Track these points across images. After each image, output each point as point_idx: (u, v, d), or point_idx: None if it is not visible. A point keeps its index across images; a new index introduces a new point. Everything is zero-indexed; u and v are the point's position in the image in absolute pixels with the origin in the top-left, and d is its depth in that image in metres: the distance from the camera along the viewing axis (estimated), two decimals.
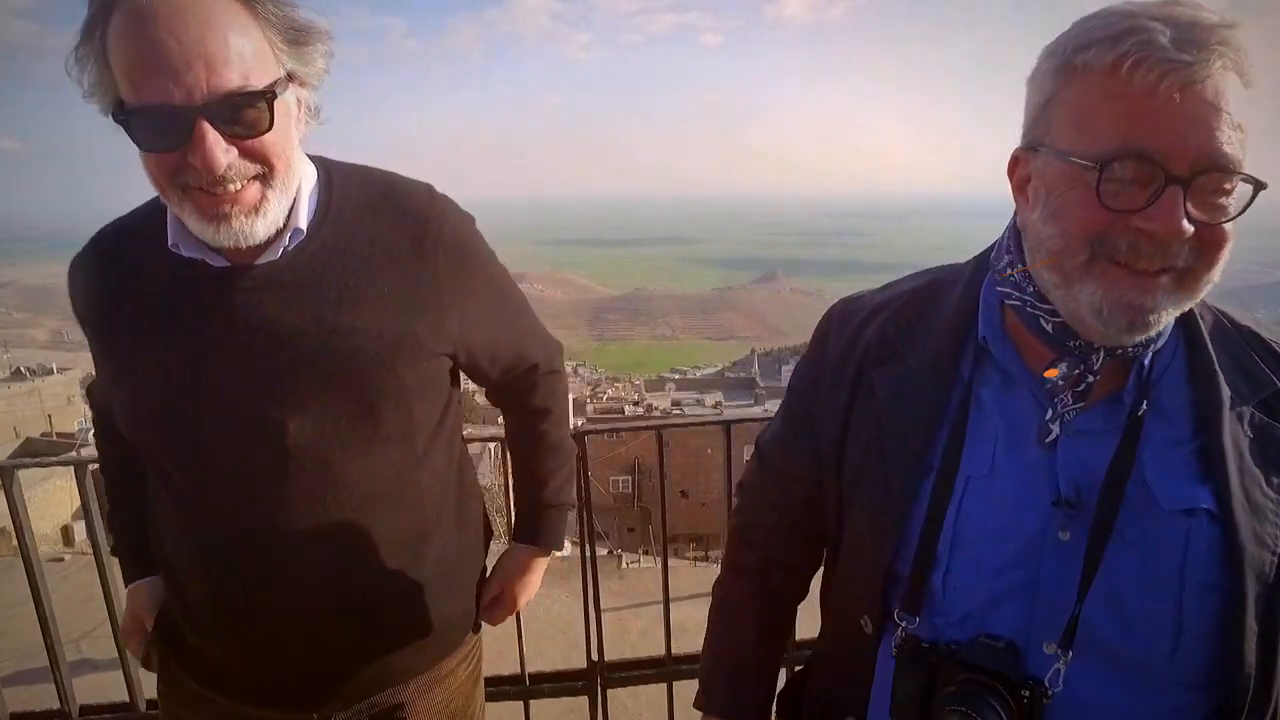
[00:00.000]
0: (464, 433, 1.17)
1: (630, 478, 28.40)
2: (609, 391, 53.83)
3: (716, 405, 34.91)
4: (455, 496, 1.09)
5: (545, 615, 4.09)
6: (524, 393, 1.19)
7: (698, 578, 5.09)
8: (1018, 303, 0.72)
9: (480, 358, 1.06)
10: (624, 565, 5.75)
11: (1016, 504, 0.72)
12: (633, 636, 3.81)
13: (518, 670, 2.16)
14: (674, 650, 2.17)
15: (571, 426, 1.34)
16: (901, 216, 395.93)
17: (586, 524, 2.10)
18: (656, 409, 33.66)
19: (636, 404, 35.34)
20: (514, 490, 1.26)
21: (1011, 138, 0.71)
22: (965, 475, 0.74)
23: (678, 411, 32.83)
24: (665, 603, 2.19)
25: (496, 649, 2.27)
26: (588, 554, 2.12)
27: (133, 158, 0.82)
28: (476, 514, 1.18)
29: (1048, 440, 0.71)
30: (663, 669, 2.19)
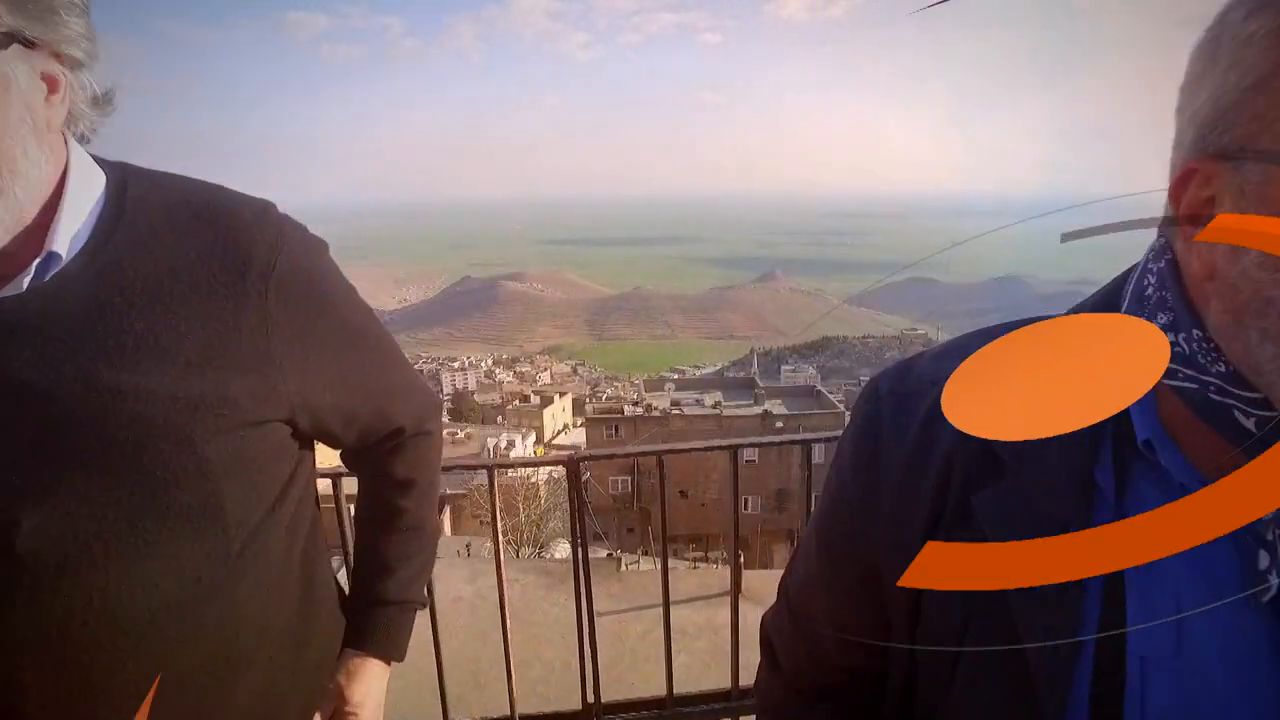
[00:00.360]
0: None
1: (629, 478, 28.40)
2: (608, 391, 53.91)
3: (716, 405, 34.91)
4: (295, 602, 0.84)
5: (544, 619, 4.08)
6: (383, 459, 0.96)
7: (698, 580, 5.08)
8: (1192, 385, 0.48)
9: (329, 421, 0.83)
10: (624, 568, 5.74)
11: (1232, 701, 0.47)
12: (632, 640, 3.80)
13: (507, 712, 2.08)
14: (676, 690, 2.11)
15: (568, 450, 1.18)
16: (902, 216, 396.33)
17: (583, 559, 2.00)
18: (656, 409, 33.64)
19: (636, 404, 35.33)
20: (351, 578, 1.01)
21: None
22: (1139, 656, 0.50)
23: (677, 411, 32.80)
24: (667, 638, 2.11)
25: (489, 678, 2.25)
26: (583, 591, 2.03)
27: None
28: (326, 622, 0.93)
29: (1265, 599, 0.47)
30: (663, 711, 2.11)
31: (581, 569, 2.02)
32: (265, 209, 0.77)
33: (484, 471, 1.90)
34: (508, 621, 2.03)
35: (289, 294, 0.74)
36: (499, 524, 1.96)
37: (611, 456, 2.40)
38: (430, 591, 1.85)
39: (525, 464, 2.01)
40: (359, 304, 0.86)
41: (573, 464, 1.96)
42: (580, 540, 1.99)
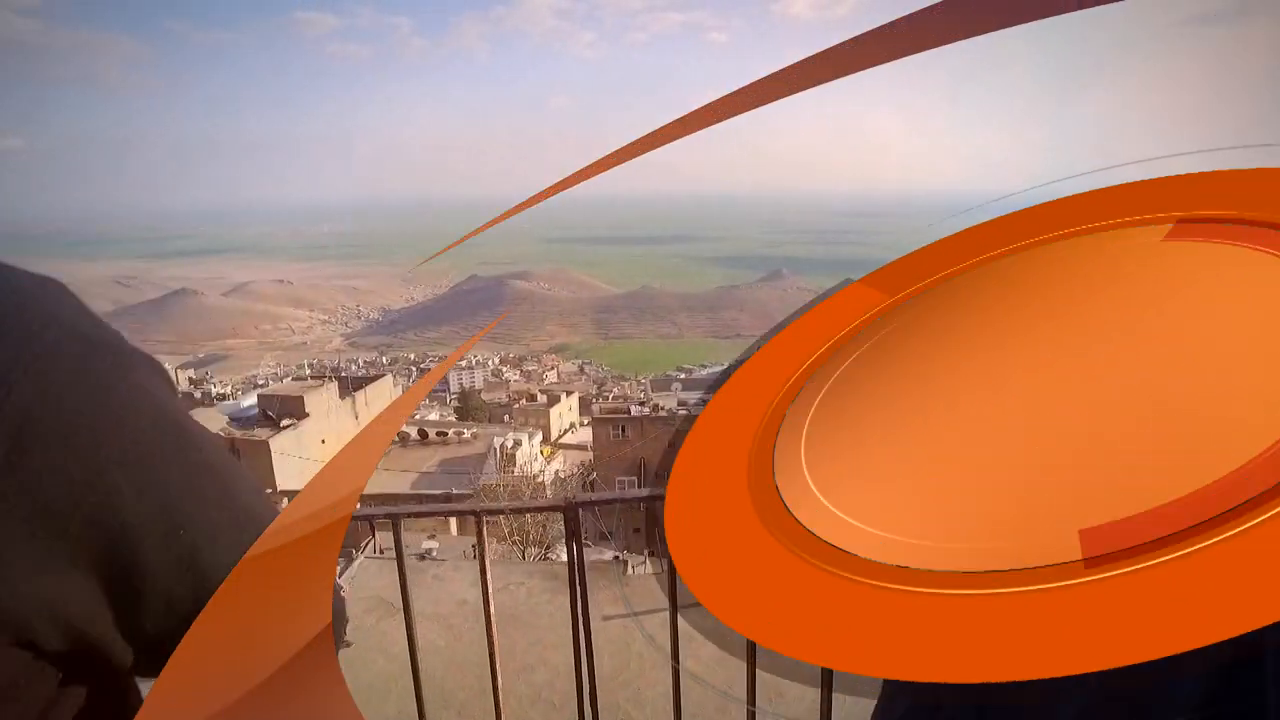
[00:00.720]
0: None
1: (636, 478, 28.39)
2: (615, 390, 53.92)
3: None
4: None
5: (549, 623, 4.05)
6: None
7: None
8: None
9: (102, 639, 0.49)
10: (630, 570, 5.71)
11: None
12: (637, 645, 3.77)
13: None
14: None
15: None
16: (908, 214, 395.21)
17: (583, 613, 1.80)
18: (663, 408, 33.58)
19: (642, 403, 35.29)
20: None
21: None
22: None
23: (684, 411, 32.72)
24: (675, 691, 2.02)
25: (481, 698, 2.22)
26: (582, 649, 1.91)
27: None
28: None
29: None
30: None
31: (581, 618, 1.89)
32: (23, 303, 0.44)
33: (491, 467, 1.82)
34: (494, 631, 1.97)
35: (39, 446, 0.43)
36: (485, 538, 1.89)
37: (613, 502, 1.94)
38: (406, 601, 1.79)
39: (517, 509, 1.84)
40: (190, 459, 0.50)
41: (571, 509, 1.62)
42: (581, 587, 1.83)
